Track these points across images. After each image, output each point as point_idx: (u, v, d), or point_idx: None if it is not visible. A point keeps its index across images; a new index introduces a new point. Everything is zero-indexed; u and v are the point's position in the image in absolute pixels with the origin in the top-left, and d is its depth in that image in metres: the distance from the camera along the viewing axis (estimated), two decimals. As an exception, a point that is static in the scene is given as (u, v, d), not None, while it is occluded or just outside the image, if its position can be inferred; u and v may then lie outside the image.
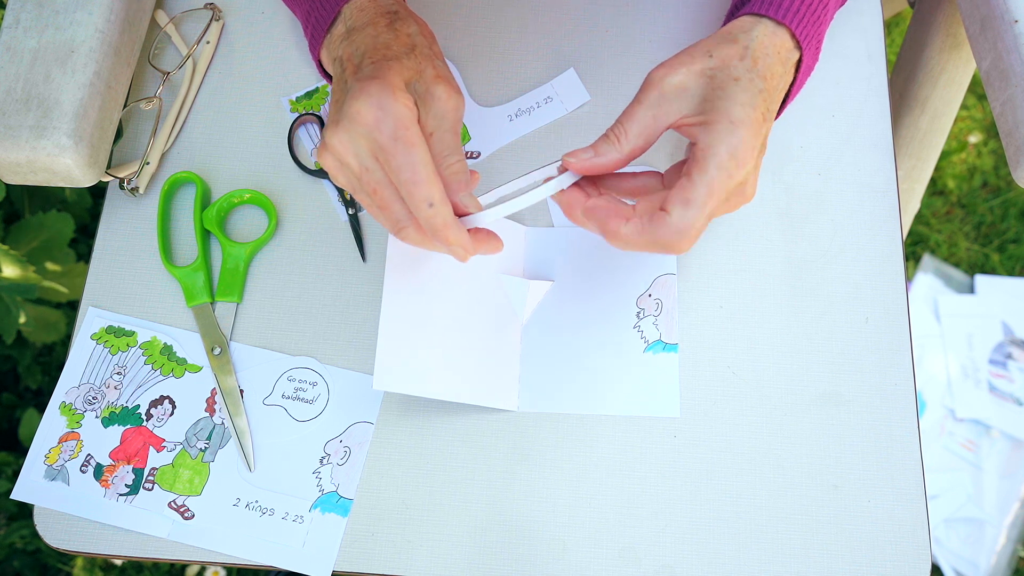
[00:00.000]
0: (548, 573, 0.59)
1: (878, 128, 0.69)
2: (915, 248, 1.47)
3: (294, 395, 0.63)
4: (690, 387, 0.62)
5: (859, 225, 0.66)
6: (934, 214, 1.50)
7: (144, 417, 0.63)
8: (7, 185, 0.88)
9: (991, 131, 1.55)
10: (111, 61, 0.64)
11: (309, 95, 0.71)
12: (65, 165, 0.61)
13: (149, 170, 0.68)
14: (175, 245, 0.67)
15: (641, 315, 0.64)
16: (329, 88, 0.70)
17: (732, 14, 0.58)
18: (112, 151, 0.67)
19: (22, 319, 0.99)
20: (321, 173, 0.68)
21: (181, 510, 0.60)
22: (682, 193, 0.50)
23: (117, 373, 0.64)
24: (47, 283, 1.04)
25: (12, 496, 0.61)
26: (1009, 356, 1.36)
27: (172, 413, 0.63)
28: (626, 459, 0.61)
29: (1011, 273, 1.45)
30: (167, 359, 0.64)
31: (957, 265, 1.45)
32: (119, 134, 0.69)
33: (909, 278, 1.28)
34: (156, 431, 0.62)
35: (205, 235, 0.66)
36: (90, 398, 0.63)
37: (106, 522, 0.60)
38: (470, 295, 0.62)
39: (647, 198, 0.54)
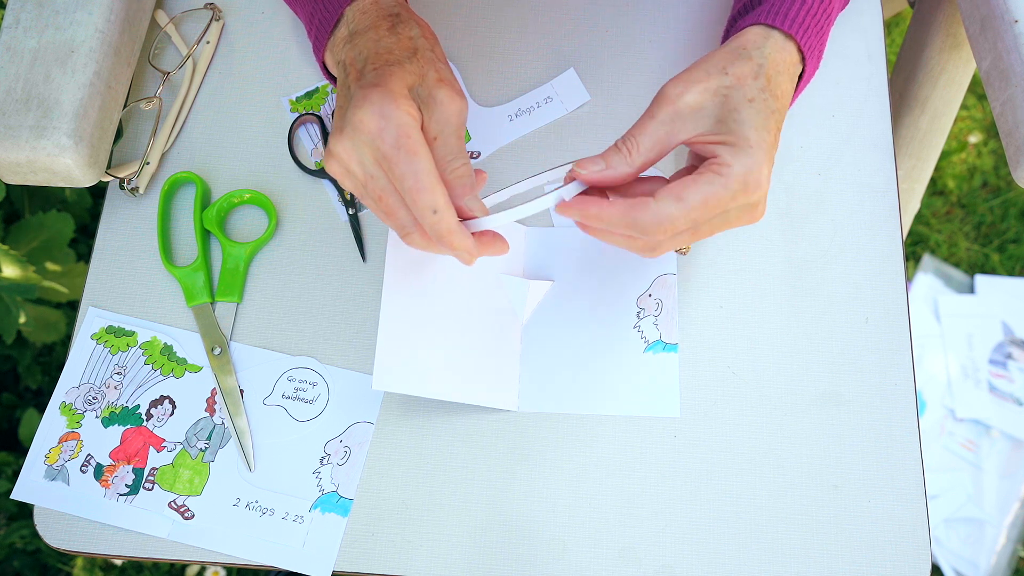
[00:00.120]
0: (548, 573, 0.59)
1: (878, 128, 0.69)
2: (915, 248, 1.47)
3: (294, 395, 0.63)
4: (690, 387, 0.62)
5: (859, 225, 0.66)
6: (934, 214, 1.50)
7: (144, 417, 0.63)
8: (7, 185, 0.88)
9: (991, 131, 1.55)
10: (111, 61, 0.64)
11: (309, 95, 0.71)
12: (65, 165, 0.61)
13: (149, 170, 0.68)
14: (175, 245, 0.67)
15: (641, 315, 0.64)
16: (330, 88, 0.71)
17: (734, 20, 0.58)
18: (112, 151, 0.67)
19: (22, 319, 0.99)
20: (321, 173, 0.68)
21: (181, 510, 0.60)
22: (678, 189, 0.50)
23: (117, 373, 0.64)
24: (47, 283, 1.04)
25: (12, 496, 0.61)
26: (1009, 356, 1.36)
27: (172, 413, 0.63)
28: (626, 459, 0.61)
29: (1011, 273, 1.45)
30: (167, 359, 0.64)
31: (957, 265, 1.45)
32: (119, 134, 0.69)
33: (909, 278, 1.28)
34: (156, 431, 0.62)
35: (205, 235, 0.66)
36: (90, 398, 0.63)
37: (106, 522, 0.60)
38: (470, 295, 0.62)
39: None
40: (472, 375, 0.60)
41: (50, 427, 0.63)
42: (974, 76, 0.97)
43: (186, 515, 0.60)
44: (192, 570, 1.29)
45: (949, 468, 1.30)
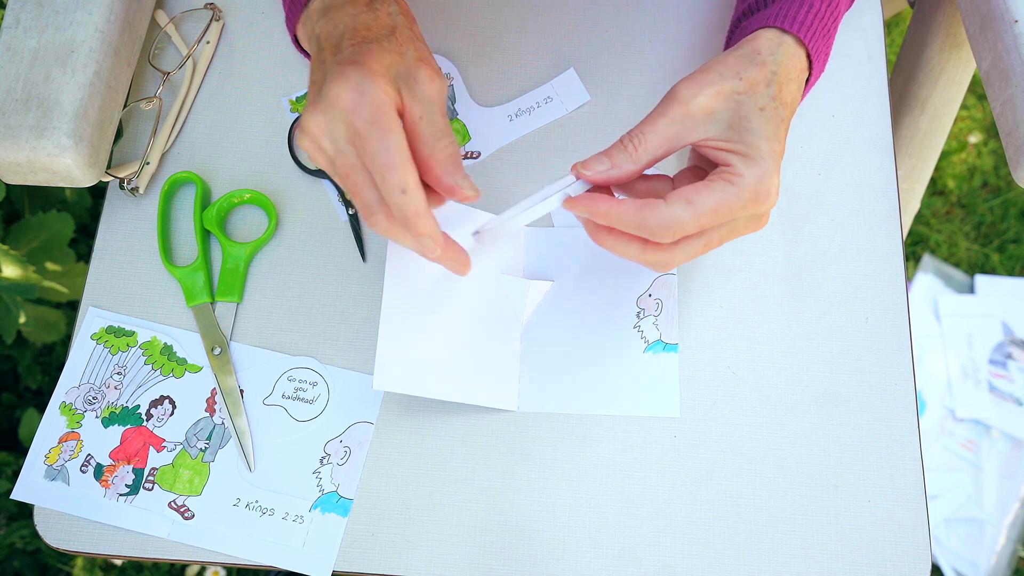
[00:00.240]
0: (548, 573, 0.59)
1: (878, 128, 0.69)
2: (915, 248, 1.47)
3: (294, 395, 0.63)
4: (690, 387, 0.62)
5: (859, 225, 0.66)
6: (934, 214, 1.50)
7: (144, 417, 0.63)
8: (7, 185, 0.88)
9: (991, 131, 1.55)
10: (111, 61, 0.64)
11: (309, 95, 0.71)
12: (65, 165, 0.61)
13: (149, 170, 0.68)
14: (175, 245, 0.67)
15: (641, 315, 0.64)
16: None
17: (739, 21, 0.58)
18: (112, 151, 0.67)
19: (22, 319, 0.99)
20: (321, 173, 0.68)
21: (181, 510, 0.60)
22: (690, 193, 0.50)
23: (117, 373, 0.64)
24: (47, 283, 1.04)
25: (12, 496, 0.61)
26: (1009, 356, 1.36)
27: (172, 413, 0.63)
28: (626, 459, 0.61)
29: (1011, 273, 1.45)
30: (167, 359, 0.64)
31: (957, 265, 1.45)
32: (119, 134, 0.69)
33: (909, 278, 1.28)
34: (156, 431, 0.62)
35: (205, 235, 0.66)
36: (90, 398, 0.63)
37: (106, 522, 0.60)
38: (470, 295, 0.62)
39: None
40: (472, 375, 0.60)
41: (50, 427, 0.63)
42: (974, 76, 0.97)
43: (186, 515, 0.60)
44: (192, 570, 1.29)
45: (949, 468, 1.30)
